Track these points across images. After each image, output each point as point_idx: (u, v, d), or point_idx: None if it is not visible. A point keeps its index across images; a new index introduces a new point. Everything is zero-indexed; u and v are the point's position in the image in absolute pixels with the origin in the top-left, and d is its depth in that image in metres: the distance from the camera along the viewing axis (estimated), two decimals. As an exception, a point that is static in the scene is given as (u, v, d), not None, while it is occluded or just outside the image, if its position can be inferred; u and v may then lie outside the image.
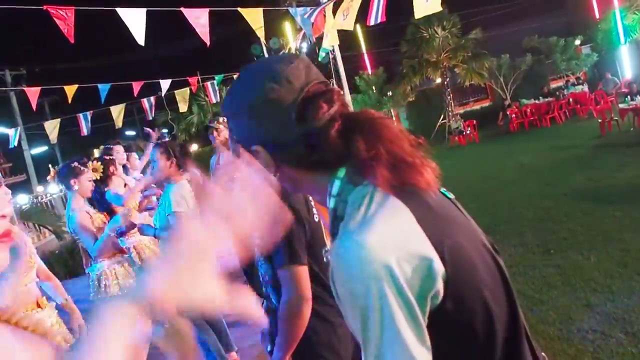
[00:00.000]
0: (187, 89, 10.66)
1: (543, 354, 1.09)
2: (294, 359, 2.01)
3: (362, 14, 7.64)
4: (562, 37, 22.42)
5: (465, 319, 0.90)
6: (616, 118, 12.79)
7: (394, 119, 25.64)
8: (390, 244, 0.85)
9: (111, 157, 5.14)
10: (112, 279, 3.92)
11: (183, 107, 10.98)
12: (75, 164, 4.03)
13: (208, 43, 4.41)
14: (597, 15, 23.50)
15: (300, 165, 1.00)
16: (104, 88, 8.73)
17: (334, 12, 7.96)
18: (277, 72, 0.97)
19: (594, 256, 4.90)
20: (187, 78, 10.51)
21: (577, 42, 23.13)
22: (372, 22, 7.92)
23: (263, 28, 6.35)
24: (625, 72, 21.39)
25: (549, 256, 5.21)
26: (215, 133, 5.19)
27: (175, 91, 10.54)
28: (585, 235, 5.57)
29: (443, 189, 1.06)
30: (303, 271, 1.94)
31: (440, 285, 0.86)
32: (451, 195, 1.08)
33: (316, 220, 2.07)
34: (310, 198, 2.07)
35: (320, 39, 9.28)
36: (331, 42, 8.95)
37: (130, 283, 3.97)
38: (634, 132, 11.87)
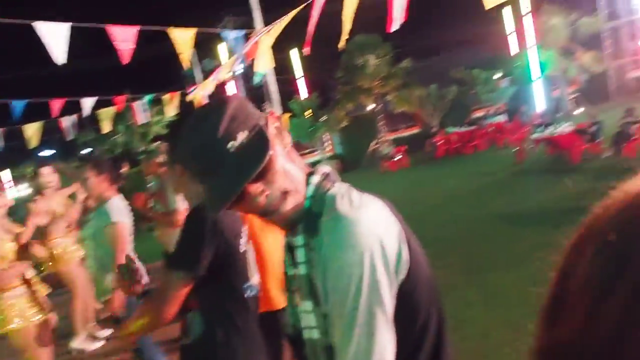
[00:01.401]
0: (112, 108, 10.18)
1: None
2: None
3: (299, 38, 7.72)
4: (484, 70, 23.74)
5: (415, 302, 1.05)
6: (530, 147, 13.63)
7: (328, 143, 25.77)
8: (379, 222, 1.02)
9: None
10: (8, 312, 3.68)
11: (106, 127, 10.39)
12: None
13: (126, 61, 4.28)
14: (515, 52, 25.16)
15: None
16: (18, 104, 8.09)
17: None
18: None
19: (511, 275, 5.15)
20: (113, 97, 10.10)
21: (497, 75, 24.59)
22: (305, 50, 7.92)
23: (189, 52, 6.24)
24: (539, 105, 22.90)
25: (470, 276, 5.43)
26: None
27: (99, 110, 10.01)
28: (503, 255, 5.85)
29: None
30: (184, 285, 1.79)
31: (406, 267, 1.02)
32: None
33: (242, 250, 1.97)
34: (243, 229, 2.02)
35: (254, 62, 9.29)
36: (265, 66, 8.98)
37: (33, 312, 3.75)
38: (546, 160, 12.66)
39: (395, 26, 4.84)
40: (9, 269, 3.73)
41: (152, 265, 7.05)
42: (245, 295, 1.95)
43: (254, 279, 2.03)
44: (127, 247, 3.73)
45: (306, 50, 7.24)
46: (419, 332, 1.07)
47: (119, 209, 3.70)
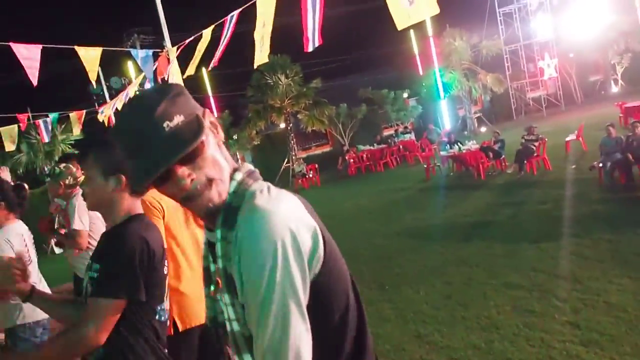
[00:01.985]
0: (15, 126, 9.67)
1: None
2: None
3: (209, 58, 7.69)
4: (392, 90, 24.76)
5: (330, 296, 1.11)
6: (438, 164, 14.36)
7: (239, 161, 25.82)
8: (293, 214, 1.06)
9: None
10: None
11: (10, 146, 9.86)
12: None
13: (35, 83, 4.11)
14: (421, 72, 26.55)
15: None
16: None
17: (178, 57, 7.95)
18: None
19: (423, 290, 5.41)
20: (16, 115, 9.59)
21: (405, 95, 25.75)
22: (212, 64, 7.88)
23: (97, 70, 6.08)
24: (445, 123, 24.24)
25: (383, 292, 5.62)
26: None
27: (1, 128, 9.50)
28: (414, 270, 6.12)
29: None
30: (120, 310, 1.77)
31: (320, 262, 1.07)
32: None
33: (165, 272, 1.95)
34: (164, 251, 1.99)
35: (164, 80, 9.13)
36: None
37: None
38: (453, 177, 13.41)
39: (310, 47, 5.00)
40: None
41: (56, 289, 6.64)
42: (157, 318, 1.91)
43: (166, 303, 1.99)
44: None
45: (213, 65, 7.27)
46: (337, 326, 1.12)
47: (5, 243, 3.49)
